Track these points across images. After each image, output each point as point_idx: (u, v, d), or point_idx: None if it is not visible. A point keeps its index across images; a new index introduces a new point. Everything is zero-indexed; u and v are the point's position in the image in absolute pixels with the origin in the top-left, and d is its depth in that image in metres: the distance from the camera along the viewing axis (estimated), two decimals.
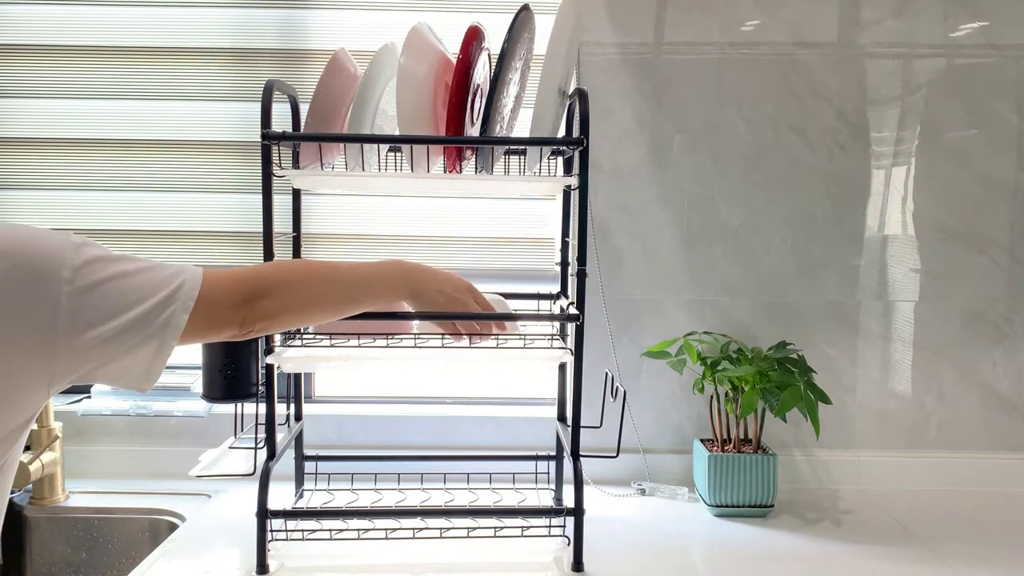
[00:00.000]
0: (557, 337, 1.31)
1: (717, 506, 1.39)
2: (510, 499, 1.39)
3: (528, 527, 1.22)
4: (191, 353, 1.63)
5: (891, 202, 1.55)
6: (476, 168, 1.23)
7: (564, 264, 1.42)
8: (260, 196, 1.14)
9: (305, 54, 1.52)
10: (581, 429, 1.18)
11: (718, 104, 1.51)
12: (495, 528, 1.21)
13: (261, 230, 1.15)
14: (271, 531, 1.16)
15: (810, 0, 1.50)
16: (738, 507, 1.39)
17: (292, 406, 1.39)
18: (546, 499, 1.40)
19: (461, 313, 1.28)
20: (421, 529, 1.23)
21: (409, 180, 1.27)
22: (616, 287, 1.54)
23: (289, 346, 1.25)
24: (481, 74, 1.23)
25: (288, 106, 1.34)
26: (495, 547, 1.24)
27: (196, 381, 1.57)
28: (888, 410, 1.58)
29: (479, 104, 1.24)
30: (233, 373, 1.22)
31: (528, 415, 1.58)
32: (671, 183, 1.53)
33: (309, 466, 1.42)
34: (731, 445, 1.44)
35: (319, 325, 1.26)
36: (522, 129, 1.27)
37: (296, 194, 1.37)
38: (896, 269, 1.56)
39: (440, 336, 1.22)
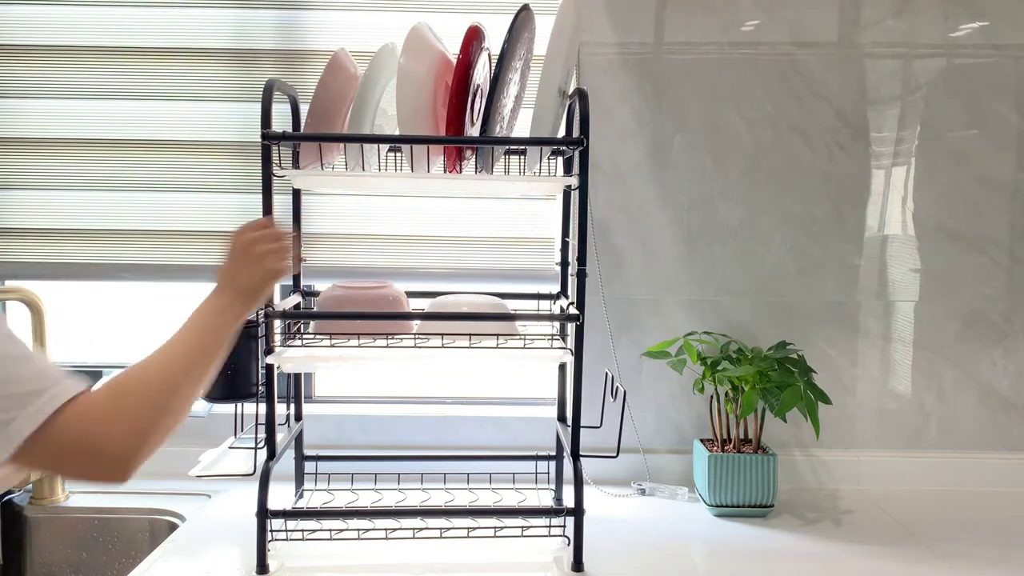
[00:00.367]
0: (557, 337, 1.31)
1: (717, 506, 1.39)
2: (510, 499, 1.39)
3: (528, 527, 1.22)
4: None
5: (891, 202, 1.55)
6: (476, 168, 1.23)
7: (564, 264, 1.42)
8: (260, 196, 1.14)
9: (305, 54, 1.52)
10: (581, 429, 1.18)
11: (718, 104, 1.51)
12: (495, 528, 1.21)
13: None
14: (271, 531, 1.16)
15: (810, 0, 1.50)
16: (738, 507, 1.39)
17: (292, 406, 1.39)
18: (546, 499, 1.40)
19: (461, 313, 1.28)
20: (421, 529, 1.23)
21: (409, 180, 1.27)
22: (616, 287, 1.54)
23: (289, 346, 1.25)
24: (481, 74, 1.23)
25: (288, 106, 1.34)
26: (495, 547, 1.24)
27: None
28: (888, 410, 1.58)
29: (479, 104, 1.24)
30: (233, 373, 1.22)
31: (528, 415, 1.58)
32: (671, 183, 1.53)
33: (309, 466, 1.42)
34: (731, 445, 1.44)
35: (319, 325, 1.27)
36: (522, 129, 1.27)
37: (296, 194, 1.37)
38: (896, 269, 1.56)
39: (440, 336, 1.22)
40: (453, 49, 1.19)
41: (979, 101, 1.52)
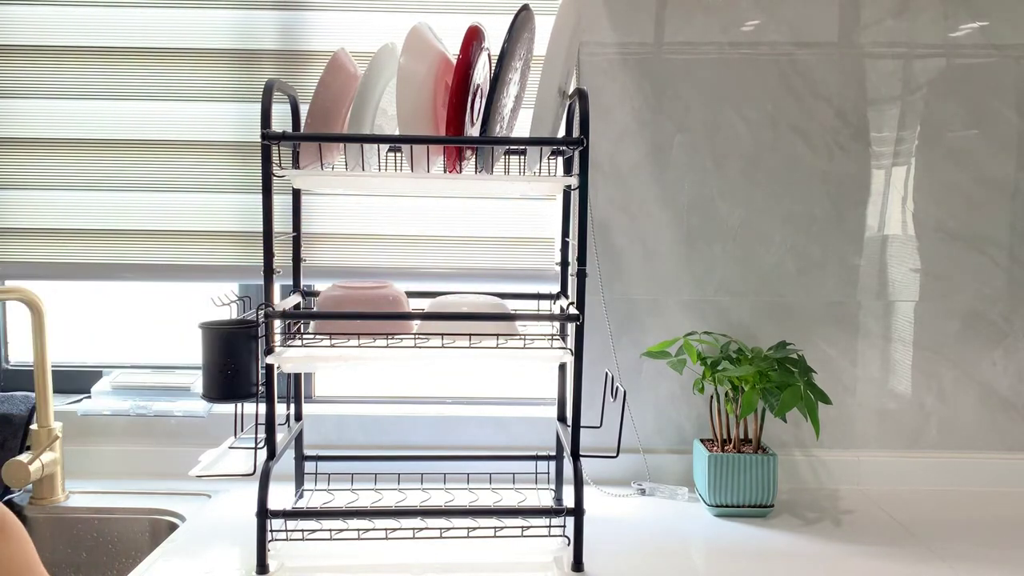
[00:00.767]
0: (557, 337, 1.31)
1: (717, 506, 1.39)
2: (510, 499, 1.39)
3: (528, 527, 1.22)
4: (191, 353, 1.64)
5: (891, 202, 1.55)
6: (476, 168, 1.23)
7: (564, 264, 1.42)
8: (260, 196, 1.14)
9: (305, 55, 1.52)
10: (581, 429, 1.18)
11: (718, 104, 1.51)
12: (495, 528, 1.21)
13: (261, 230, 1.15)
14: (271, 531, 1.16)
15: (810, 0, 1.50)
16: (738, 507, 1.39)
17: (292, 406, 1.39)
18: (546, 499, 1.40)
19: (461, 313, 1.28)
20: (421, 529, 1.23)
21: (409, 180, 1.27)
22: (616, 287, 1.54)
23: (289, 346, 1.25)
24: (481, 74, 1.23)
25: (288, 106, 1.34)
26: (495, 547, 1.24)
27: (196, 381, 1.58)
28: (888, 410, 1.58)
29: (479, 104, 1.24)
30: (233, 373, 1.22)
31: (528, 415, 1.58)
32: (671, 183, 1.53)
33: (309, 466, 1.42)
34: (731, 445, 1.45)
35: (319, 325, 1.27)
36: (522, 129, 1.27)
37: (296, 194, 1.37)
38: (896, 269, 1.56)
39: (440, 336, 1.22)
40: (453, 49, 1.19)
41: (979, 101, 1.52)
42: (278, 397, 1.20)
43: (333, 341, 1.23)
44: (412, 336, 1.25)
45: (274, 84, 1.17)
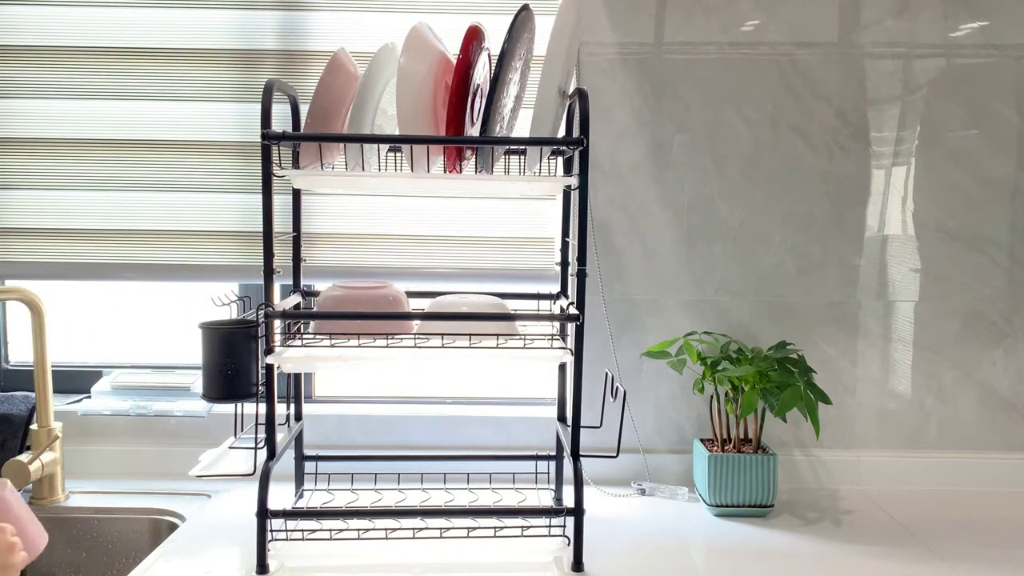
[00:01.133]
0: (557, 337, 1.31)
1: (717, 506, 1.39)
2: (510, 499, 1.39)
3: (528, 527, 1.22)
4: (191, 353, 1.64)
5: (891, 202, 1.55)
6: (476, 168, 1.23)
7: (564, 264, 1.42)
8: (260, 196, 1.14)
9: (305, 55, 1.52)
10: (581, 429, 1.18)
11: (718, 104, 1.51)
12: (495, 528, 1.21)
13: (261, 230, 1.15)
14: (271, 531, 1.16)
15: (810, 0, 1.50)
16: (738, 507, 1.39)
17: (292, 406, 1.39)
18: (546, 499, 1.40)
19: (461, 313, 1.28)
20: (421, 529, 1.23)
21: (409, 180, 1.27)
22: (616, 287, 1.54)
23: (289, 346, 1.25)
24: (481, 74, 1.23)
25: (288, 106, 1.34)
26: (495, 547, 1.24)
27: (196, 381, 1.58)
28: (888, 410, 1.58)
29: (479, 104, 1.24)
30: (233, 373, 1.22)
31: (528, 415, 1.58)
32: (671, 183, 1.53)
33: (309, 466, 1.42)
34: (731, 445, 1.45)
35: (319, 325, 1.27)
36: (522, 129, 1.27)
37: (296, 194, 1.37)
38: (896, 269, 1.56)
39: (440, 336, 1.22)
40: (453, 49, 1.19)
41: (979, 101, 1.52)
42: (278, 397, 1.20)
43: (333, 341, 1.23)
44: (412, 336, 1.25)
45: (274, 84, 1.17)
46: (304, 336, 1.30)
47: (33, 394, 1.46)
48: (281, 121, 1.31)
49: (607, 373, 1.30)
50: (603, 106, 1.50)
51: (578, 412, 1.18)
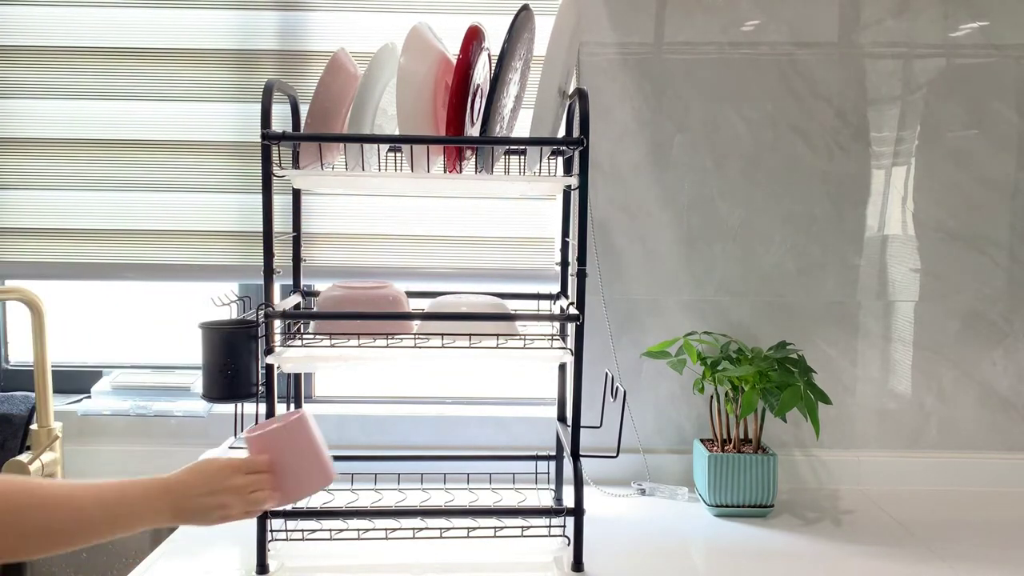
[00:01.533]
0: (557, 337, 1.31)
1: (717, 506, 1.39)
2: (510, 499, 1.39)
3: (528, 527, 1.22)
4: (191, 353, 1.64)
5: (891, 202, 1.55)
6: (476, 168, 1.23)
7: (564, 264, 1.42)
8: (260, 196, 1.14)
9: (305, 55, 1.52)
10: (581, 429, 1.18)
11: (718, 104, 1.51)
12: (495, 528, 1.21)
13: (261, 230, 1.15)
14: (271, 531, 1.17)
15: (810, 0, 1.50)
16: (738, 507, 1.39)
17: (292, 406, 1.39)
18: (546, 499, 1.40)
19: (461, 313, 1.28)
20: (421, 529, 1.23)
21: (409, 180, 1.27)
22: (616, 287, 1.54)
23: (289, 346, 1.25)
24: (481, 74, 1.23)
25: (288, 106, 1.34)
26: (495, 547, 1.24)
27: (196, 381, 1.58)
28: (888, 410, 1.58)
29: (479, 104, 1.24)
30: (233, 373, 1.22)
31: (528, 415, 1.58)
32: (671, 183, 1.53)
33: None
34: (731, 445, 1.44)
35: (319, 325, 1.27)
36: (522, 129, 1.27)
37: (296, 194, 1.37)
38: (896, 269, 1.56)
39: (440, 336, 1.22)
40: (453, 49, 1.19)
41: (979, 101, 1.52)
42: (278, 397, 1.20)
43: (333, 341, 1.23)
44: (412, 336, 1.25)
45: (274, 84, 1.17)
46: (304, 336, 1.30)
47: (33, 394, 1.45)
48: (281, 121, 1.31)
49: (607, 373, 1.30)
50: (603, 106, 1.50)
51: (578, 412, 1.18)
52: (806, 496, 1.51)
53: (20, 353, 1.66)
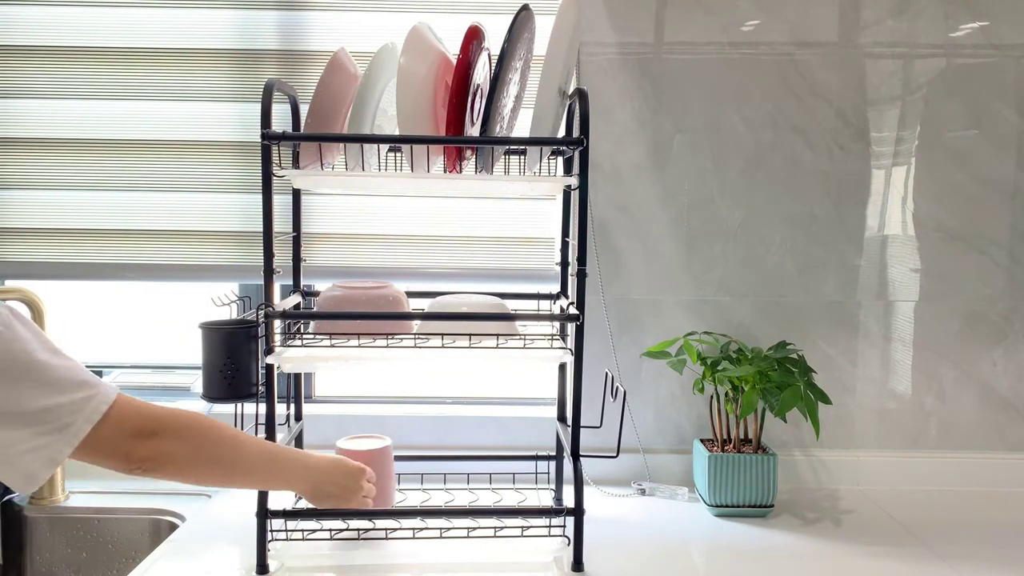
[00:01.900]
0: (557, 337, 1.31)
1: (717, 506, 1.39)
2: (510, 499, 1.39)
3: (528, 527, 1.22)
4: (191, 353, 1.64)
5: (891, 202, 1.55)
6: (476, 168, 1.23)
7: (564, 264, 1.42)
8: (260, 196, 1.14)
9: (305, 55, 1.52)
10: (581, 429, 1.18)
11: (718, 104, 1.51)
12: (495, 528, 1.21)
13: (261, 230, 1.15)
14: (271, 531, 1.16)
15: (810, 0, 1.50)
16: (738, 507, 1.39)
17: (292, 406, 1.39)
18: (546, 499, 1.40)
19: (461, 313, 1.28)
20: (421, 529, 1.23)
21: (409, 180, 1.27)
22: (616, 287, 1.54)
23: (289, 346, 1.25)
24: (481, 74, 1.23)
25: (288, 106, 1.34)
26: (495, 547, 1.24)
27: (196, 381, 1.57)
28: (888, 410, 1.58)
29: (479, 104, 1.24)
30: (233, 373, 1.22)
31: (528, 415, 1.58)
32: (671, 183, 1.53)
33: None
34: (731, 445, 1.45)
35: (319, 325, 1.27)
36: (522, 129, 1.27)
37: (296, 194, 1.37)
38: (896, 269, 1.56)
39: (440, 336, 1.22)
40: (453, 49, 1.19)
41: (979, 101, 1.52)
42: (278, 397, 1.20)
43: (333, 341, 1.23)
44: (412, 336, 1.25)
45: (274, 84, 1.17)
46: (304, 336, 1.30)
47: None
48: (281, 121, 1.31)
49: (607, 373, 1.30)
50: (603, 106, 1.50)
51: (578, 412, 1.18)
52: (806, 496, 1.51)
53: None
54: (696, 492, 1.48)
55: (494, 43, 1.21)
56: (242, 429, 1.24)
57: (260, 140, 1.12)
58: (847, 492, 1.53)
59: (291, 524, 1.24)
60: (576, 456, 1.18)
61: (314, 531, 1.23)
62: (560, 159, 1.39)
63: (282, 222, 1.44)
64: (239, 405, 1.25)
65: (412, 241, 1.56)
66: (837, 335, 1.56)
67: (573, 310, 1.18)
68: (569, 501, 1.18)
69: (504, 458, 1.44)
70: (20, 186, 1.55)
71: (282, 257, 1.34)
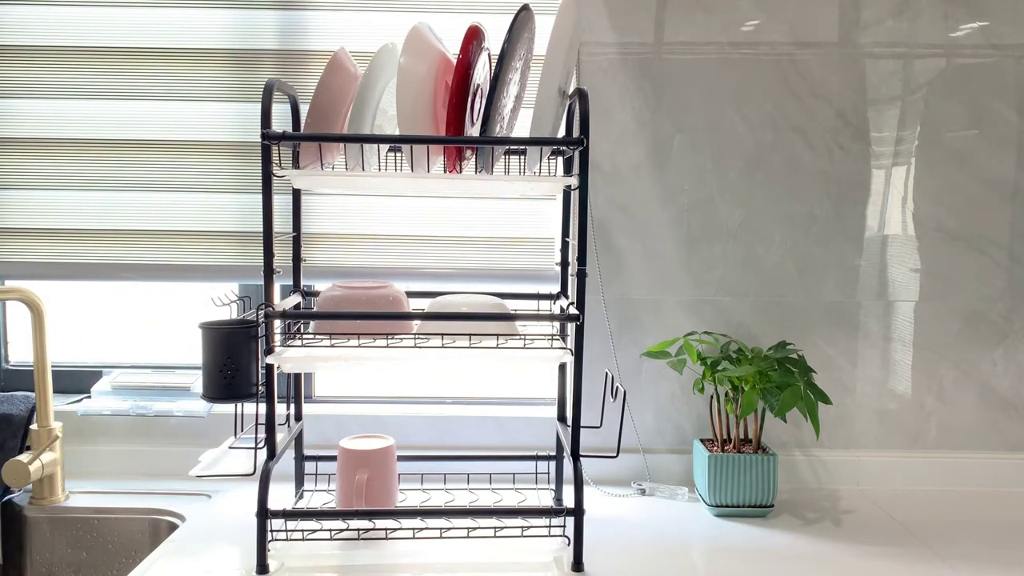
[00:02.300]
0: (557, 337, 1.31)
1: (717, 506, 1.39)
2: (510, 499, 1.39)
3: (528, 527, 1.22)
4: (191, 353, 1.64)
5: (891, 202, 1.55)
6: (476, 168, 1.23)
7: (564, 264, 1.42)
8: (260, 196, 1.14)
9: (305, 55, 1.52)
10: (581, 429, 1.18)
11: (718, 104, 1.51)
12: (495, 528, 1.21)
13: (261, 230, 1.15)
14: (271, 531, 1.16)
15: (810, 0, 1.50)
16: (738, 507, 1.39)
17: (292, 406, 1.39)
18: (546, 499, 1.40)
19: (461, 313, 1.28)
20: (421, 529, 1.23)
21: (409, 180, 1.27)
22: (616, 287, 1.54)
23: (289, 346, 1.25)
24: (481, 74, 1.23)
25: (288, 106, 1.34)
26: (495, 547, 1.24)
27: (196, 381, 1.58)
28: (888, 410, 1.58)
29: (479, 104, 1.24)
30: (233, 373, 1.22)
31: (528, 415, 1.58)
32: (671, 183, 1.53)
33: (309, 466, 1.42)
34: (731, 445, 1.45)
35: (319, 325, 1.27)
36: (522, 129, 1.27)
37: (296, 194, 1.37)
38: (896, 269, 1.56)
39: (440, 336, 1.22)
40: (453, 49, 1.19)
41: (979, 101, 1.52)
42: (278, 397, 1.20)
43: (333, 341, 1.23)
44: (412, 336, 1.25)
45: (274, 84, 1.17)
46: (304, 336, 1.30)
47: (33, 394, 1.46)
48: (281, 121, 1.31)
49: (607, 373, 1.30)
50: (603, 106, 1.50)
51: (578, 412, 1.18)
52: (806, 496, 1.51)
53: (20, 353, 1.66)
54: (696, 492, 1.48)
55: (494, 43, 1.21)
56: (242, 429, 1.25)
57: (260, 140, 1.12)
58: (847, 492, 1.53)
59: (291, 524, 1.24)
60: (576, 456, 1.18)
61: (314, 531, 1.23)
62: (560, 159, 1.39)
63: (282, 222, 1.45)
64: (239, 405, 1.25)
65: (412, 241, 1.56)
66: (837, 335, 1.56)
67: (573, 310, 1.18)
68: (569, 501, 1.18)
69: (504, 458, 1.44)
70: (20, 186, 1.55)
71: (282, 257, 1.35)
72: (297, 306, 1.36)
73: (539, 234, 1.57)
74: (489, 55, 1.26)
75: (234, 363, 1.22)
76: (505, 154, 1.29)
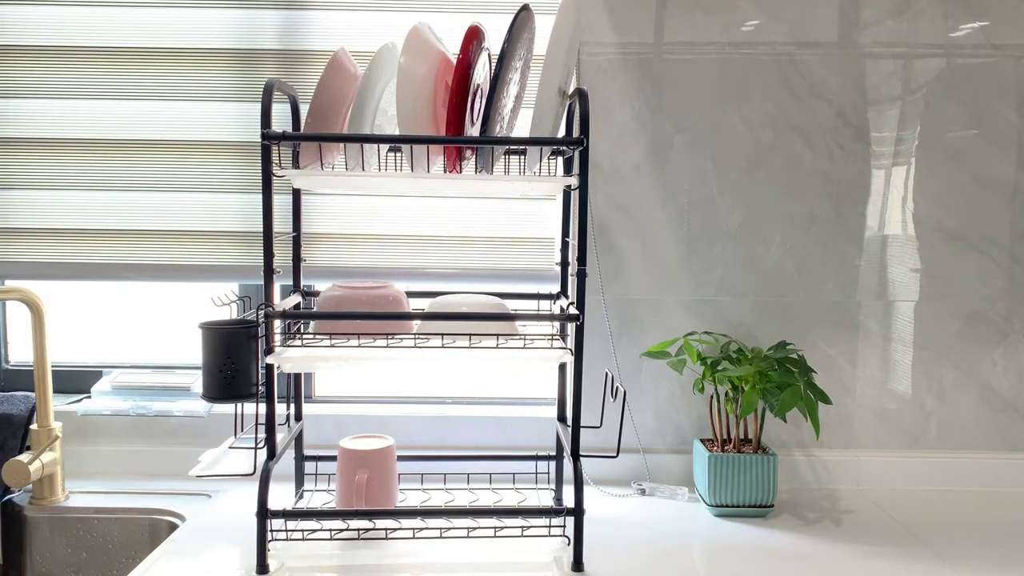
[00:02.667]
0: (557, 337, 1.31)
1: (717, 506, 1.39)
2: (510, 499, 1.39)
3: (528, 527, 1.22)
4: (191, 353, 1.64)
5: (891, 202, 1.55)
6: (476, 168, 1.23)
7: (564, 264, 1.42)
8: (260, 196, 1.14)
9: (305, 55, 1.52)
10: (581, 429, 1.18)
11: (718, 104, 1.51)
12: (495, 528, 1.21)
13: (261, 230, 1.15)
14: (271, 531, 1.16)
15: (810, 0, 1.50)
16: (738, 507, 1.39)
17: (292, 406, 1.39)
18: (546, 499, 1.40)
19: (461, 313, 1.28)
20: (421, 529, 1.23)
21: (409, 180, 1.27)
22: (616, 287, 1.54)
23: (289, 346, 1.25)
24: (481, 74, 1.23)
25: (288, 106, 1.34)
26: (495, 547, 1.24)
27: (196, 381, 1.58)
28: (888, 410, 1.58)
29: (479, 104, 1.24)
30: (233, 373, 1.22)
31: (528, 415, 1.58)
32: (671, 183, 1.53)
33: (309, 466, 1.42)
34: (731, 445, 1.45)
35: (319, 325, 1.27)
36: (522, 129, 1.27)
37: (296, 194, 1.37)
38: (896, 269, 1.56)
39: (440, 336, 1.22)
40: (453, 49, 1.19)
41: (979, 101, 1.52)
42: (278, 397, 1.20)
43: (333, 341, 1.23)
44: (412, 336, 1.25)
45: (274, 84, 1.17)
46: (304, 336, 1.30)
47: (33, 394, 1.46)
48: (281, 121, 1.31)
49: (607, 373, 1.30)
50: (603, 106, 1.50)
51: (578, 412, 1.18)
52: (806, 496, 1.51)
53: (20, 353, 1.66)
54: (696, 492, 1.48)
55: (494, 43, 1.21)
56: (242, 429, 1.25)
57: (260, 140, 1.12)
58: (847, 492, 1.53)
59: (291, 524, 1.24)
60: (576, 456, 1.18)
61: (314, 531, 1.23)
62: (560, 159, 1.39)
63: (282, 222, 1.45)
64: (239, 405, 1.25)
65: (412, 241, 1.56)
66: (837, 335, 1.56)
67: (573, 310, 1.18)
68: (569, 501, 1.18)
69: (504, 458, 1.44)
70: (20, 186, 1.55)
71: (282, 257, 1.35)
72: (297, 306, 1.36)
73: (539, 234, 1.57)
74: (489, 55, 1.26)
75: (234, 363, 1.22)
76: (505, 154, 1.29)
